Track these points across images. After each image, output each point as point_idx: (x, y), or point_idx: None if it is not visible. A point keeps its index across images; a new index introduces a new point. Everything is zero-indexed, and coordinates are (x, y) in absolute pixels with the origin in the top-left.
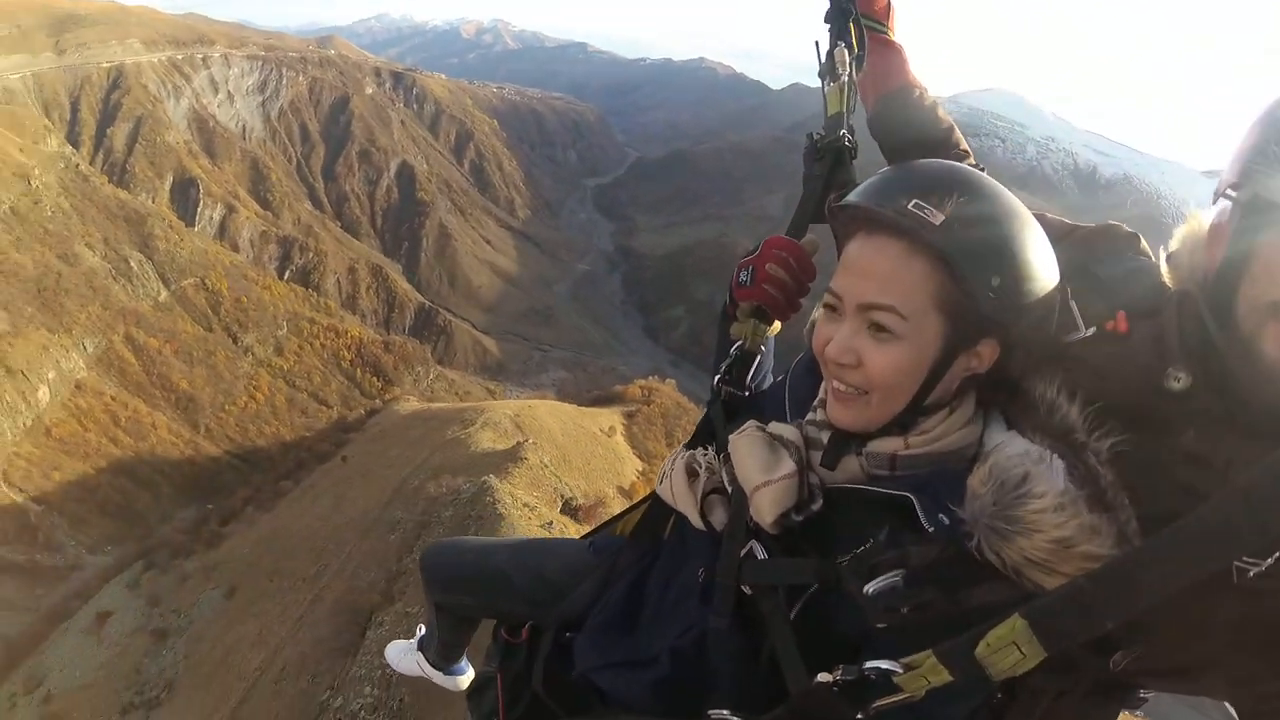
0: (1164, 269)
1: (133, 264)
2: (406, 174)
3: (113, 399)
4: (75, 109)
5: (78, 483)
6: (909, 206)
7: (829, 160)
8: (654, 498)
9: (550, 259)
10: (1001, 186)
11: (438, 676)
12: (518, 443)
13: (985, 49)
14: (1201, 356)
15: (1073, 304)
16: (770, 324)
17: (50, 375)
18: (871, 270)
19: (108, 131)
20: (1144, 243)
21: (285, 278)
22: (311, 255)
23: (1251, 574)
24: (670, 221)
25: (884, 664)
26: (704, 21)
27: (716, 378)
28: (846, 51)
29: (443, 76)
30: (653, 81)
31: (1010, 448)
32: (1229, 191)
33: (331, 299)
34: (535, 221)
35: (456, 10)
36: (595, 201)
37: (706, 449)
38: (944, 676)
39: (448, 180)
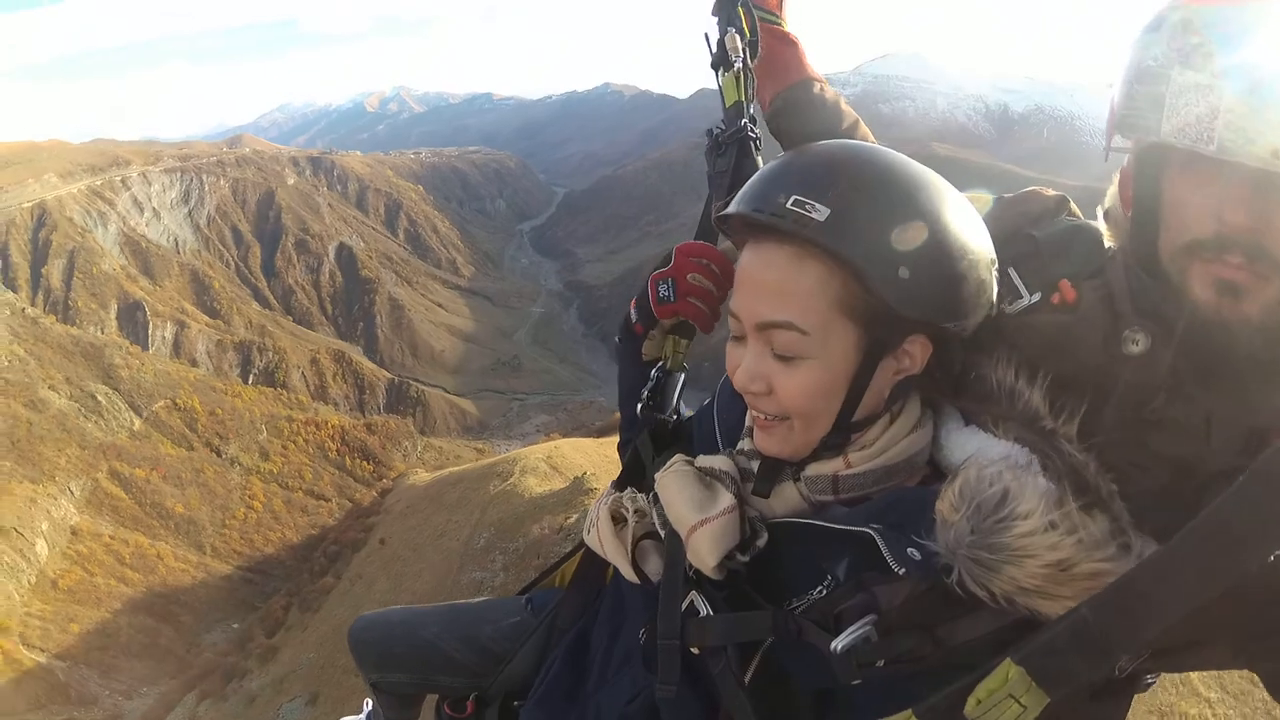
0: (1102, 227)
1: (100, 398)
2: (346, 255)
3: (112, 538)
4: (5, 253)
5: (97, 631)
6: (788, 205)
7: (732, 154)
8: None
9: (503, 309)
10: (901, 156)
11: None
12: (576, 478)
13: (872, 20)
14: (1154, 313)
15: (1012, 271)
16: (690, 338)
17: (44, 527)
18: (762, 284)
19: (43, 270)
20: (1073, 204)
21: (250, 382)
22: (271, 354)
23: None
24: (610, 249)
25: None
26: (601, 49)
27: (639, 405)
28: (738, 37)
29: (358, 153)
30: (562, 116)
31: (981, 456)
32: (1118, 141)
33: (301, 394)
34: (480, 276)
35: (356, 87)
36: (533, 244)
37: (636, 491)
38: None
39: (387, 254)
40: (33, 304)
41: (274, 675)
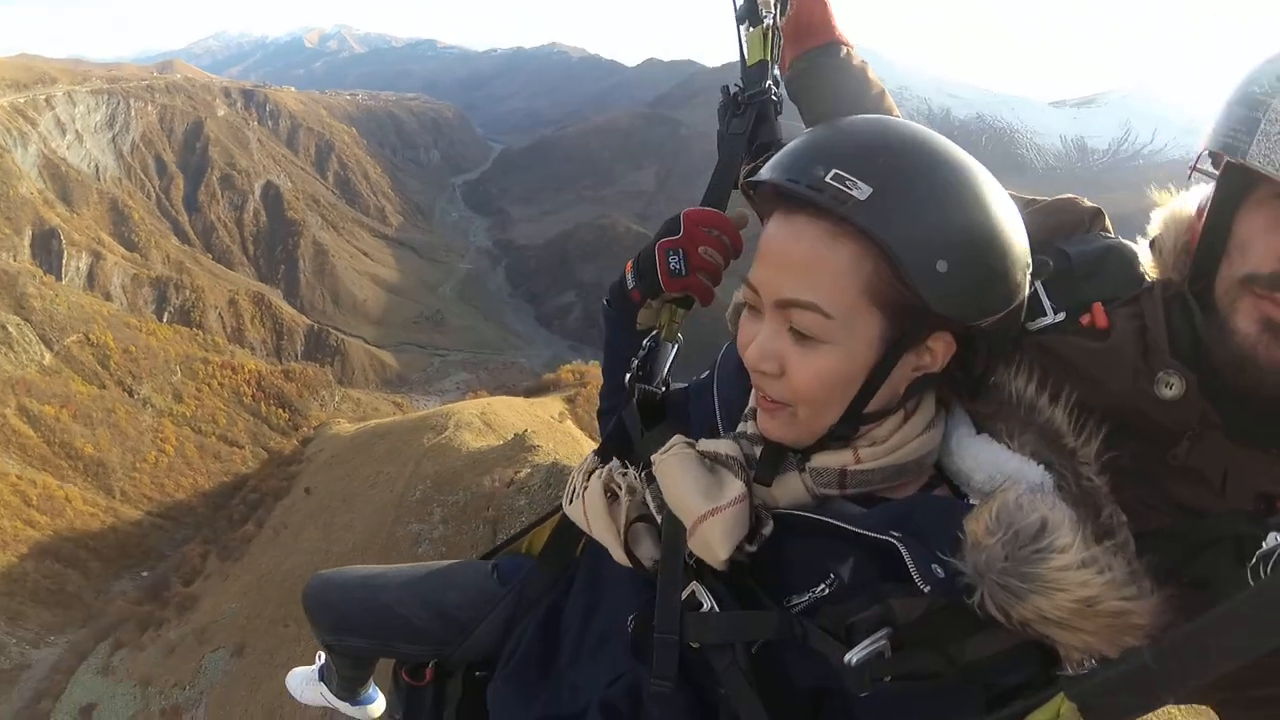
0: (1143, 255)
1: (10, 329)
2: (272, 194)
3: (19, 478)
4: None
5: (2, 575)
6: (827, 178)
7: (750, 115)
8: (564, 514)
9: (430, 263)
10: (950, 143)
11: (345, 708)
12: (516, 434)
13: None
14: (1193, 357)
15: (1036, 284)
16: (689, 309)
17: None
18: (789, 260)
19: None
20: (1108, 220)
21: (165, 320)
22: (188, 293)
23: None
24: (545, 210)
25: None
26: (553, 6)
27: (627, 374)
28: None
29: (293, 90)
30: (507, 71)
31: (1010, 474)
32: (1205, 168)
33: (218, 335)
34: (409, 227)
35: (296, 20)
36: (465, 199)
37: (625, 465)
38: None
39: (315, 196)
40: None
41: (194, 625)
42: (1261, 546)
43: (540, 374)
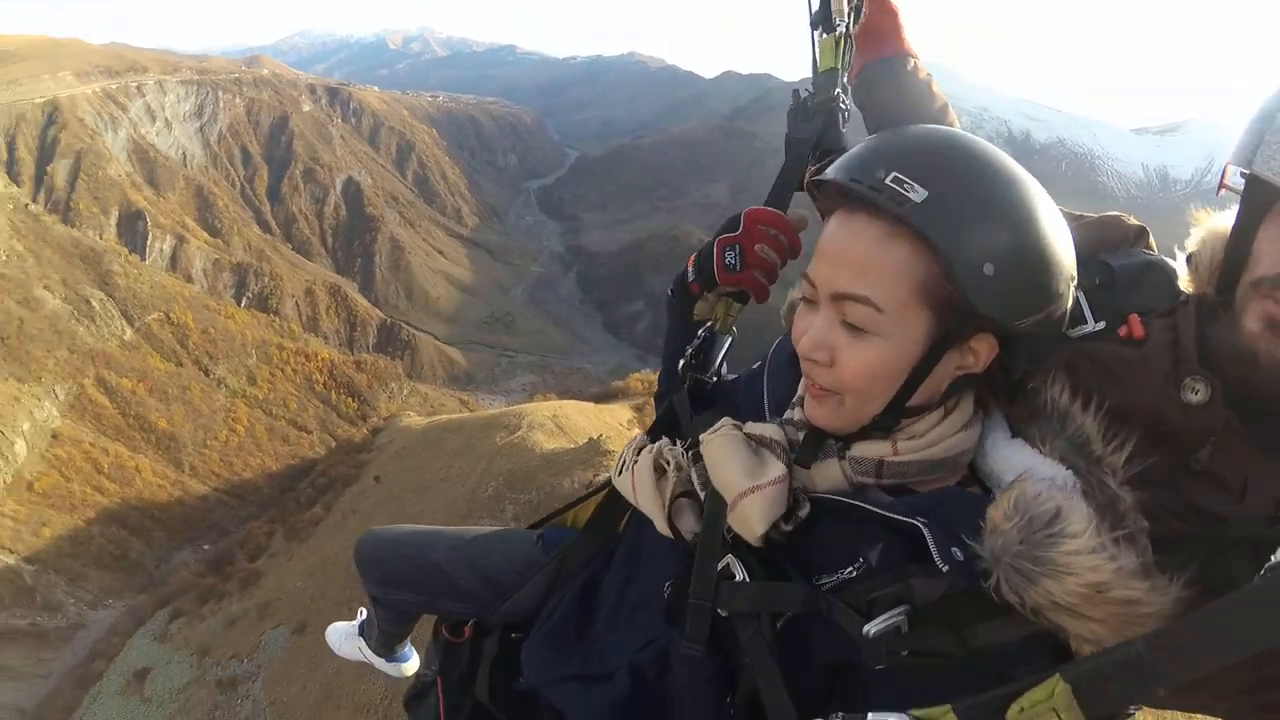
0: (1180, 270)
1: (94, 304)
2: (353, 190)
3: (92, 445)
4: (12, 148)
5: (69, 537)
6: (887, 180)
7: (819, 121)
8: (610, 490)
9: (503, 264)
10: (1004, 154)
11: (380, 664)
12: (591, 439)
13: (910, 26)
14: (1219, 367)
15: (1079, 293)
16: (744, 304)
17: (25, 427)
18: (846, 255)
19: (48, 169)
20: (1152, 238)
21: (243, 305)
22: (267, 280)
23: None
24: (617, 218)
25: (891, 717)
26: (632, 17)
27: (681, 362)
28: (845, 1)
29: (376, 89)
30: (585, 79)
31: (1033, 472)
32: (1233, 185)
33: (293, 323)
34: (483, 228)
35: (380, 21)
36: (540, 203)
37: (674, 442)
38: None
39: (394, 193)
40: (34, 201)
41: (257, 600)
42: (1277, 552)
43: (606, 381)
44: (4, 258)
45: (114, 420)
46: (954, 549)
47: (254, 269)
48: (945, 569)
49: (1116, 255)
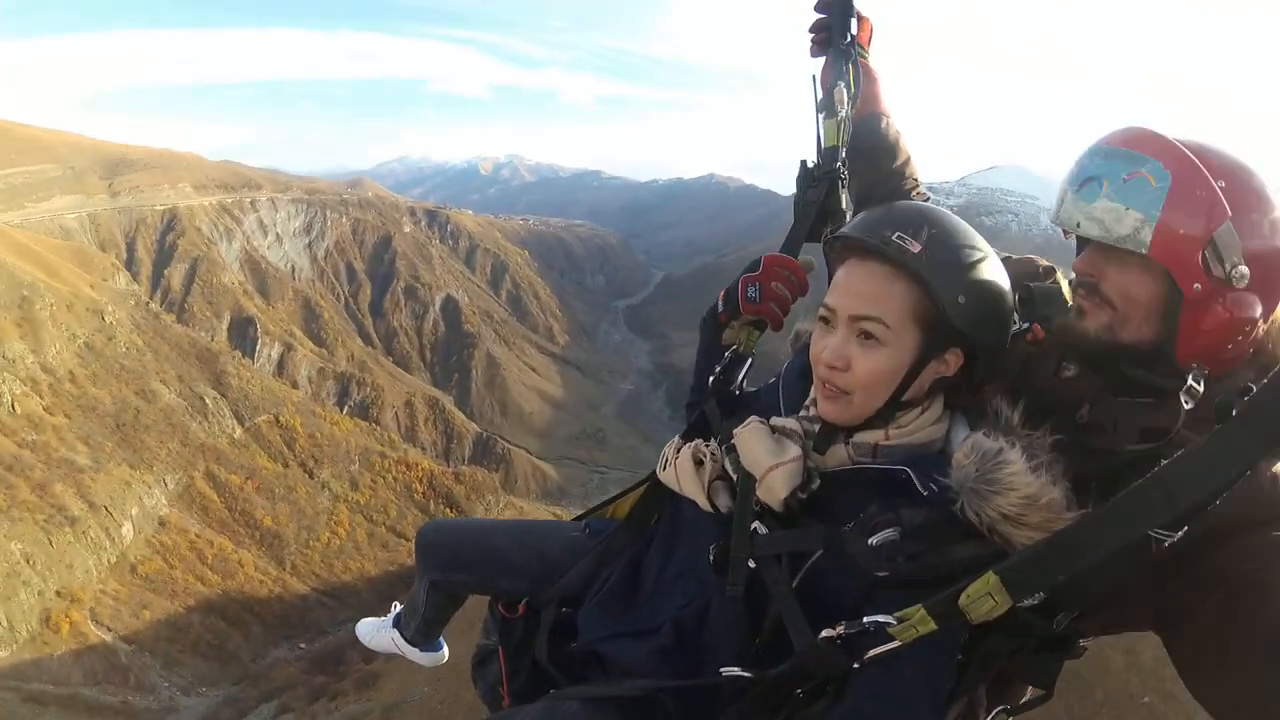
0: (1067, 292)
1: (208, 401)
2: (451, 307)
3: (197, 536)
4: (131, 248)
5: (167, 622)
6: (893, 237)
7: (823, 187)
8: (650, 484)
9: (593, 382)
10: (965, 223)
11: (414, 653)
12: None
13: (984, 130)
14: (1081, 350)
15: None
16: (762, 331)
17: (133, 511)
18: (861, 289)
19: (165, 272)
20: (1059, 274)
21: (345, 412)
22: (369, 390)
23: (1166, 544)
24: None
25: (880, 617)
26: (709, 140)
27: (711, 378)
28: (845, 90)
29: (470, 212)
30: (667, 201)
31: (980, 435)
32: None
33: (392, 432)
34: (574, 346)
35: (472, 149)
36: (627, 322)
37: (707, 441)
38: (930, 626)
39: (489, 311)
40: (151, 300)
41: (380, 702)
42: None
43: None
44: (124, 350)
45: (220, 513)
46: (931, 483)
47: (356, 379)
48: (925, 494)
49: (1034, 281)
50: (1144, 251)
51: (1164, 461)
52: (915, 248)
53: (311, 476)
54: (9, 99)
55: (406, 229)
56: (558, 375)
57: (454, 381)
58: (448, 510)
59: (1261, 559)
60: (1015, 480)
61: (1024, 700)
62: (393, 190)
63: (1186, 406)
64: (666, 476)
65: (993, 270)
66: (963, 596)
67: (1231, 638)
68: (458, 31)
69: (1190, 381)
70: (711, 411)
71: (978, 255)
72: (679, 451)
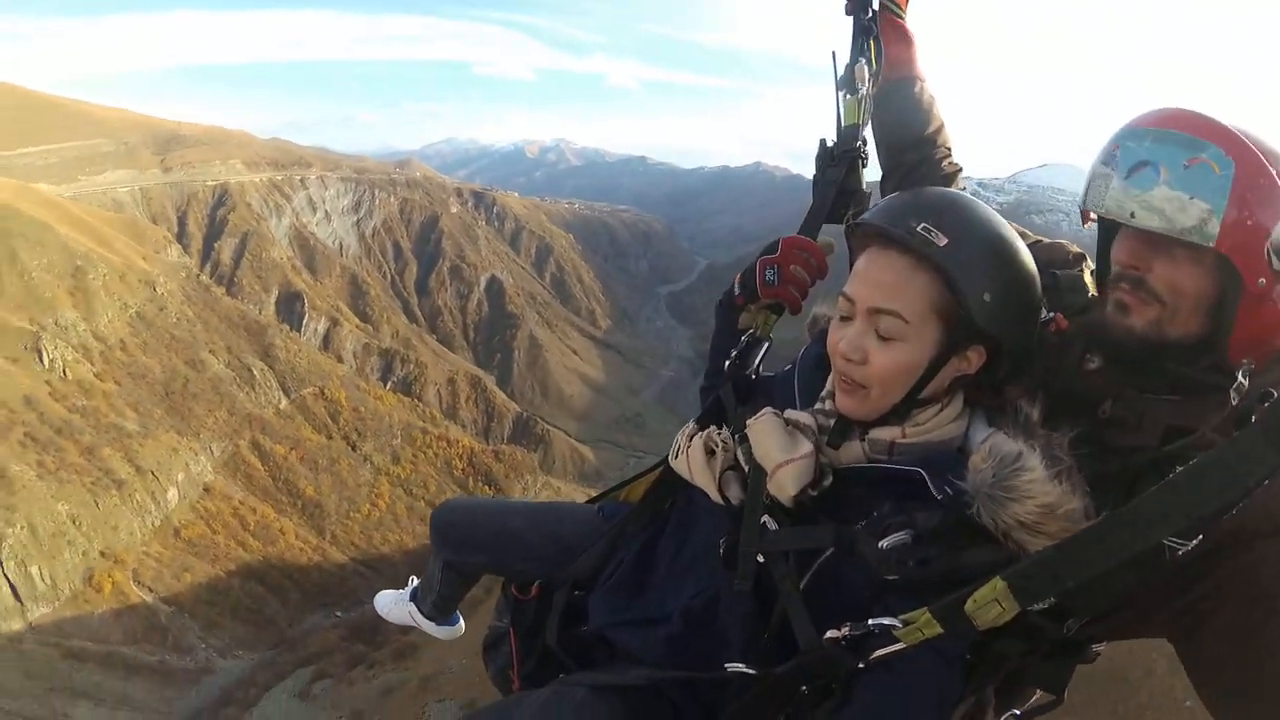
0: (1089, 280)
1: (255, 372)
2: (495, 288)
3: (241, 503)
4: (182, 223)
5: (208, 585)
6: (918, 228)
7: (843, 167)
8: (664, 469)
9: (634, 367)
10: (996, 214)
11: (430, 626)
12: None
13: (1036, 127)
14: (1107, 343)
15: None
16: (780, 315)
17: (179, 477)
18: (881, 280)
19: (215, 245)
20: (1089, 260)
21: (389, 388)
22: (412, 366)
23: (1180, 553)
24: None
25: (886, 620)
26: (757, 128)
27: (727, 362)
28: (866, 68)
29: (516, 195)
30: (713, 189)
31: (1000, 437)
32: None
33: (434, 409)
34: (616, 331)
35: (519, 133)
36: (670, 308)
37: (720, 428)
38: (935, 629)
39: (533, 293)
40: (201, 273)
41: (417, 673)
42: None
43: None
44: (175, 320)
45: (264, 482)
46: (946, 486)
47: (400, 355)
48: (940, 498)
49: (1060, 268)
50: (1210, 244)
51: (1185, 463)
52: (941, 240)
53: (354, 449)
54: (64, 75)
55: (453, 209)
56: (599, 359)
57: (496, 361)
58: (486, 488)
59: None
60: (1033, 488)
61: (1033, 704)
62: (440, 171)
63: (1234, 402)
64: (679, 465)
65: (1022, 266)
66: (969, 602)
67: (1249, 650)
68: (502, 14)
69: (1240, 378)
70: (727, 397)
71: (1007, 250)
72: (691, 440)
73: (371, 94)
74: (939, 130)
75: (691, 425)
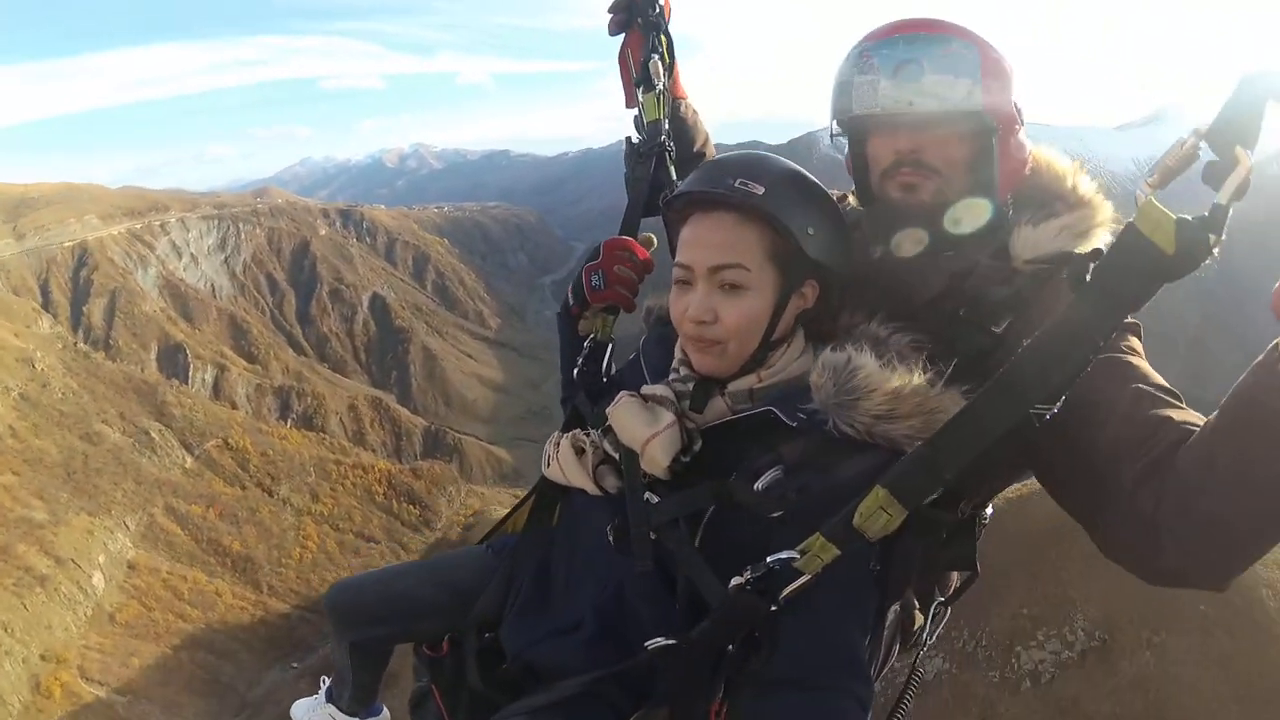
0: (852, 201)
1: (154, 434)
2: (379, 305)
3: (169, 573)
4: (46, 290)
5: (157, 665)
6: (736, 184)
7: (650, 161)
8: (538, 490)
9: (530, 360)
10: (790, 161)
11: None
12: None
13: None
14: (877, 232)
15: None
16: (616, 315)
17: (101, 559)
18: (714, 240)
19: (84, 309)
20: (851, 197)
21: (290, 426)
22: (309, 400)
23: (1047, 417)
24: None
25: (783, 554)
26: (614, 106)
27: (575, 370)
28: (660, 62)
29: (383, 207)
30: (578, 173)
31: (826, 352)
32: (835, 130)
33: (340, 439)
34: (506, 328)
35: (375, 143)
36: (555, 297)
37: (586, 430)
38: (833, 551)
39: (417, 304)
40: (77, 341)
41: (405, 699)
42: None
43: None
44: (61, 395)
45: (187, 547)
46: (798, 413)
47: (295, 390)
48: (794, 425)
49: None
50: (979, 109)
51: (977, 302)
52: (759, 190)
53: (271, 495)
54: None
55: (322, 232)
56: (495, 359)
57: (393, 379)
58: (411, 507)
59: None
60: (871, 380)
61: (954, 586)
62: (301, 195)
63: (1010, 234)
64: (552, 472)
65: (826, 196)
66: (856, 516)
67: (1076, 447)
68: (344, 24)
69: (1010, 211)
70: (583, 404)
71: (812, 186)
72: (559, 445)
73: (218, 126)
74: (706, 143)
75: (557, 434)
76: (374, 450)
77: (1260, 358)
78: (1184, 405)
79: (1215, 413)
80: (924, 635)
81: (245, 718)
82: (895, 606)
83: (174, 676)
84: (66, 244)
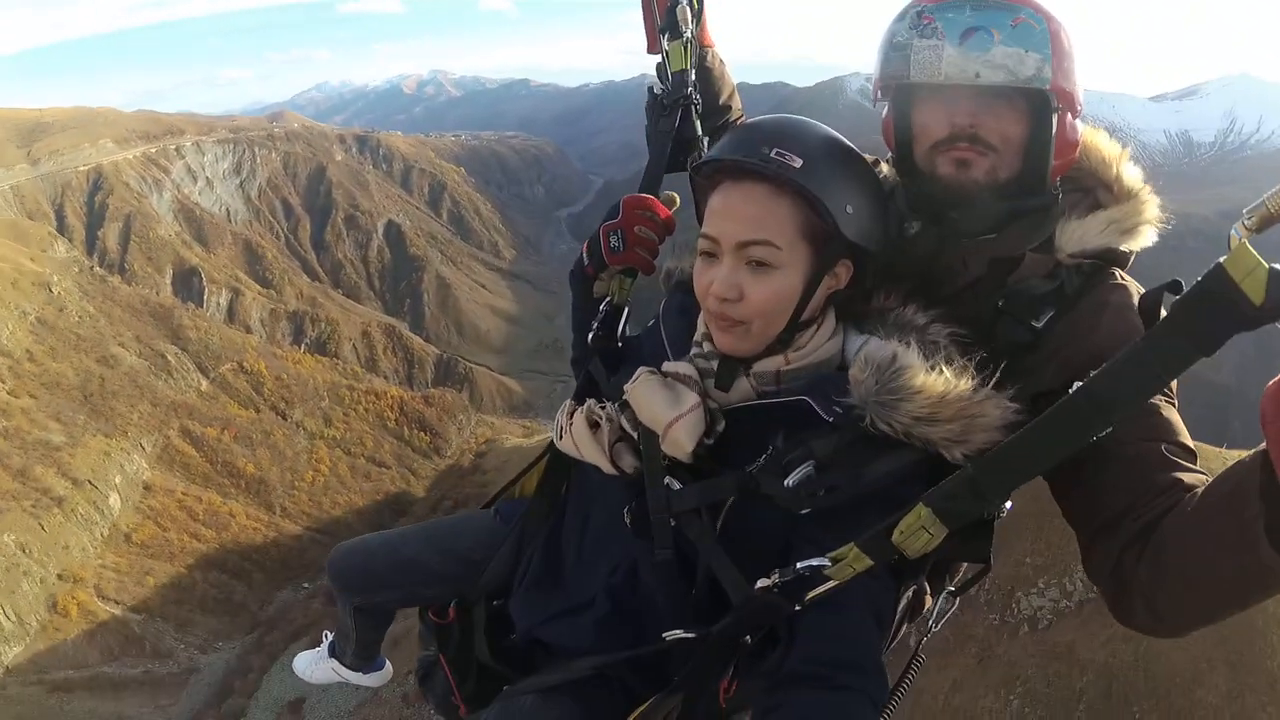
0: (884, 170)
1: (170, 358)
2: (394, 233)
3: (184, 494)
4: (61, 215)
5: (172, 585)
6: (772, 154)
7: (676, 115)
8: (550, 455)
9: (544, 293)
10: (833, 130)
11: (357, 677)
12: None
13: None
14: (916, 205)
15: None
16: (634, 278)
17: (117, 480)
18: (744, 213)
19: (99, 233)
20: (884, 164)
21: (304, 351)
22: (323, 325)
23: (1096, 439)
24: None
25: (814, 561)
26: (639, 39)
27: (590, 334)
28: (689, 8)
29: (400, 134)
30: (600, 105)
31: (872, 343)
32: (881, 98)
33: (353, 365)
34: (521, 260)
35: (393, 69)
36: (571, 231)
37: (601, 401)
38: (865, 563)
39: (432, 233)
40: (93, 265)
41: (410, 625)
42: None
43: None
44: (78, 319)
45: (202, 469)
46: (834, 406)
47: (309, 315)
48: (830, 420)
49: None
50: (1047, 87)
51: (1023, 297)
52: (796, 163)
53: (285, 418)
54: None
55: (338, 157)
56: (508, 290)
57: (406, 307)
58: (423, 434)
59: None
60: (916, 382)
61: (963, 577)
62: (316, 119)
63: (1058, 217)
64: (565, 445)
65: (869, 171)
66: (895, 532)
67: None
68: None
69: (1060, 196)
70: (597, 370)
71: (855, 160)
72: (572, 417)
73: (232, 49)
74: (732, 95)
75: (570, 403)
76: (386, 377)
77: (1246, 459)
78: (1195, 467)
79: (1204, 490)
80: (930, 624)
81: (257, 636)
82: (908, 593)
83: (188, 595)
84: (81, 168)
